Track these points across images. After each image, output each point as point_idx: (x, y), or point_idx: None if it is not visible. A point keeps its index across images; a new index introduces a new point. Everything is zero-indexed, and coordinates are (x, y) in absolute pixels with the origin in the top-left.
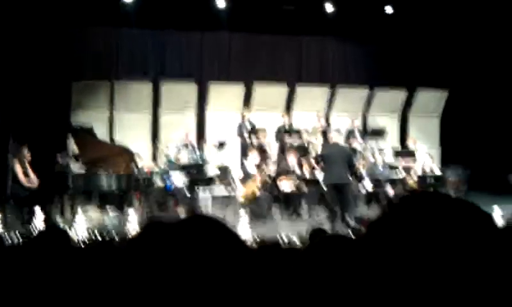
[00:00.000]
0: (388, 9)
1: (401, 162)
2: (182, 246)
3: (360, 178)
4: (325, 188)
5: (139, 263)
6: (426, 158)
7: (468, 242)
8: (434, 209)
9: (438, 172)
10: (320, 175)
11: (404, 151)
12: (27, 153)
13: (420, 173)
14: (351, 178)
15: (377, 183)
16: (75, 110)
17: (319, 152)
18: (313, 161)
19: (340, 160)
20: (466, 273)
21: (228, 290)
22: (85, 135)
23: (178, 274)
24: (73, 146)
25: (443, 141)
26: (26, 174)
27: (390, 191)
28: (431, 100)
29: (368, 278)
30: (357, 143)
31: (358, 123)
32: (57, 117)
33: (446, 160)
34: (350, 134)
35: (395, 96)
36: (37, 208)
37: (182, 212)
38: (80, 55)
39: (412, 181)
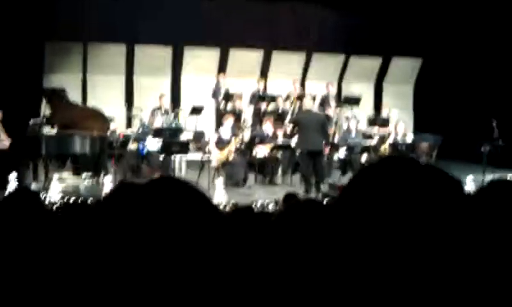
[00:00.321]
0: None
1: (375, 130)
2: (151, 206)
3: (333, 145)
4: (298, 155)
5: (109, 224)
6: (399, 125)
7: (437, 207)
8: (403, 174)
9: (410, 139)
10: (293, 141)
11: (379, 119)
12: None
13: (392, 140)
14: (324, 145)
15: (350, 150)
16: (47, 72)
17: (293, 118)
18: (287, 127)
19: (314, 127)
20: (434, 238)
21: (197, 253)
22: (58, 98)
23: (147, 234)
24: (45, 109)
25: (416, 108)
26: None
27: (363, 158)
28: (405, 68)
29: (339, 243)
30: (331, 110)
31: (333, 89)
32: (30, 79)
33: (419, 128)
34: (324, 101)
35: (370, 64)
36: (11, 174)
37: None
38: (52, 15)
39: (385, 147)
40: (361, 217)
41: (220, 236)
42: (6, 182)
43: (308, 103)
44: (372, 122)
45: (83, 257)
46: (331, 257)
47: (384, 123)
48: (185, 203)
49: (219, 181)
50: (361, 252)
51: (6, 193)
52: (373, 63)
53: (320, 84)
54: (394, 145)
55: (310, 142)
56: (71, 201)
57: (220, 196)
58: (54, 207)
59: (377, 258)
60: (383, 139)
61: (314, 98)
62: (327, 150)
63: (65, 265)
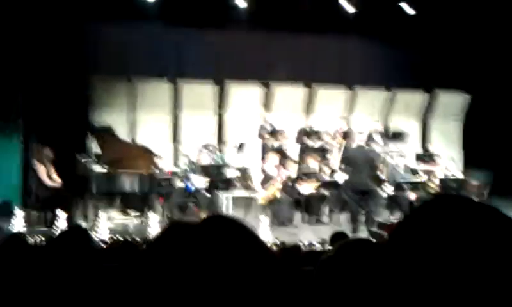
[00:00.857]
0: (410, 10)
1: (423, 166)
2: (202, 246)
3: (381, 182)
4: (346, 192)
5: (160, 264)
6: (448, 162)
7: (492, 247)
8: (457, 213)
9: (459, 176)
10: (340, 178)
11: (426, 155)
12: (50, 154)
13: (441, 176)
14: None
15: (398, 188)
16: (94, 109)
17: (342, 155)
18: (333, 164)
19: (364, 163)
20: (489, 279)
21: (248, 292)
22: (106, 135)
23: (200, 274)
24: (94, 146)
25: (465, 145)
26: (49, 175)
27: (412, 195)
28: (453, 103)
29: (391, 283)
30: (378, 146)
31: (380, 125)
32: (77, 116)
33: (469, 164)
34: (371, 137)
35: (416, 99)
36: (60, 211)
37: (203, 216)
38: (97, 52)
39: (434, 185)
40: (415, 257)
41: (270, 275)
42: (55, 219)
43: (360, 139)
44: (419, 158)
45: (133, 299)
46: (384, 299)
47: (433, 159)
48: (238, 243)
49: (265, 220)
50: (415, 293)
51: (58, 231)
52: (419, 98)
53: (365, 120)
54: (444, 182)
55: (360, 179)
56: (120, 239)
57: (266, 235)
58: (104, 246)
59: (432, 300)
60: (430, 176)
61: (363, 134)
62: (390, 190)
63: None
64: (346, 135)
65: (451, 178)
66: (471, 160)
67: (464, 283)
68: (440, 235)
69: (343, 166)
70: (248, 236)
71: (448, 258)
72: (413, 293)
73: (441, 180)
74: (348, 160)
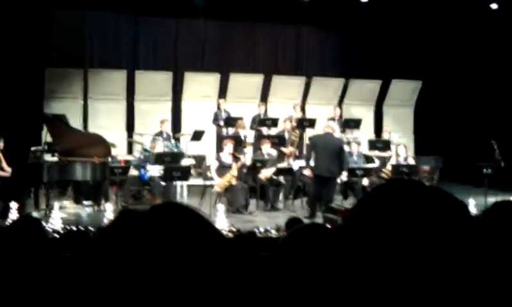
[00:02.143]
0: None
1: (376, 152)
2: (154, 233)
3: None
4: (305, 178)
5: (112, 252)
6: (400, 147)
7: (444, 229)
8: (409, 196)
9: (411, 161)
10: (296, 165)
11: (379, 142)
12: (0, 143)
13: (394, 162)
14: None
15: (352, 173)
16: (47, 98)
17: (307, 141)
18: (287, 150)
19: (331, 151)
20: (441, 261)
21: (201, 279)
22: (59, 124)
23: (151, 261)
24: (46, 136)
25: (416, 131)
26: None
27: (365, 181)
28: (405, 90)
29: (345, 267)
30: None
31: (339, 112)
32: (30, 106)
33: (420, 150)
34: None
35: (370, 87)
36: (12, 202)
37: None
38: (52, 40)
39: (386, 170)
40: (369, 240)
41: (225, 261)
42: (8, 211)
43: (329, 127)
44: (373, 145)
45: (86, 287)
46: (338, 282)
47: (386, 145)
48: (189, 229)
49: (221, 207)
50: (368, 275)
51: (9, 221)
52: (373, 85)
53: (319, 107)
54: (396, 168)
55: (325, 167)
56: (73, 229)
57: (222, 222)
58: (56, 235)
59: (385, 282)
60: (384, 162)
61: (334, 121)
62: (344, 177)
63: (68, 294)
64: (301, 122)
65: (403, 163)
66: (422, 146)
67: (415, 264)
68: (393, 217)
69: (311, 152)
70: (200, 222)
71: (401, 240)
72: (367, 277)
73: (394, 166)
74: (314, 146)
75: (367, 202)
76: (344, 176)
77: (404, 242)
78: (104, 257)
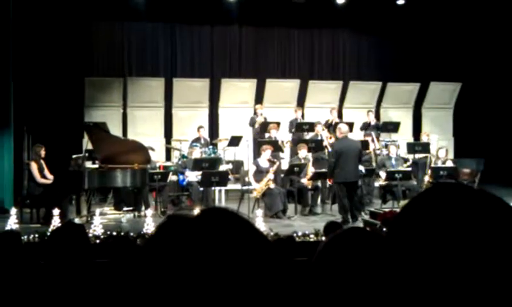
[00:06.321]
0: (400, 1)
1: (415, 155)
2: (202, 239)
3: (372, 172)
4: (336, 185)
5: (160, 258)
6: (441, 151)
7: (493, 234)
8: (458, 201)
9: (451, 164)
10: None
11: (418, 144)
12: (41, 151)
13: (433, 165)
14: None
15: (390, 176)
16: (88, 107)
17: (331, 148)
18: (325, 154)
19: (351, 155)
20: (490, 266)
21: (250, 283)
22: (99, 132)
23: (200, 267)
24: (87, 144)
25: (456, 133)
26: (42, 173)
27: (404, 184)
28: (444, 93)
29: (391, 273)
30: (372, 137)
31: (373, 117)
32: (71, 114)
33: (460, 153)
34: (366, 127)
35: (408, 89)
36: (54, 209)
37: (197, 209)
38: (92, 51)
39: (426, 174)
40: (416, 245)
41: (273, 267)
42: (50, 217)
43: (345, 131)
44: (411, 148)
45: (133, 292)
46: (384, 287)
47: (424, 148)
48: (237, 234)
49: (259, 212)
50: (415, 281)
51: (52, 227)
52: (410, 88)
53: (357, 111)
54: (436, 170)
55: (348, 172)
56: (114, 235)
57: (260, 227)
58: (98, 241)
59: (432, 287)
60: (423, 166)
61: (348, 125)
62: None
63: (113, 300)
64: (336, 127)
65: (443, 166)
66: (462, 148)
67: (467, 270)
68: (441, 223)
69: (332, 159)
70: (248, 227)
71: (449, 247)
72: (415, 283)
73: (433, 168)
74: (336, 152)
75: (413, 206)
76: (382, 179)
77: (453, 248)
78: (153, 263)
